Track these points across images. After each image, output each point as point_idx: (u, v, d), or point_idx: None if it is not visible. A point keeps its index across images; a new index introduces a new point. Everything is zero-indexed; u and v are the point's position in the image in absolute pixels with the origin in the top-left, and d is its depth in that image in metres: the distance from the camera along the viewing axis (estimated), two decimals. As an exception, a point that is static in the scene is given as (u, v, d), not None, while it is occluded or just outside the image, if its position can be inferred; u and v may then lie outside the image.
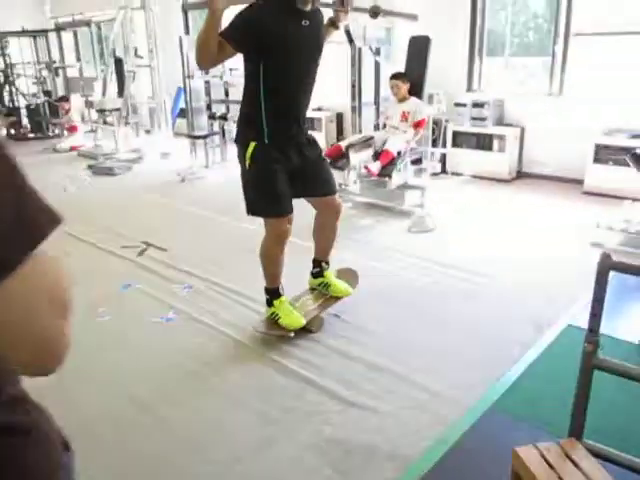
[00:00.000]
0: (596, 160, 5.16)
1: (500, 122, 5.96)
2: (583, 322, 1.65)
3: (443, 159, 5.88)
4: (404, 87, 4.85)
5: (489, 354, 2.59)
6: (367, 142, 4.85)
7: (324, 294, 2.95)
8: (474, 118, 5.91)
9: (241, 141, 2.53)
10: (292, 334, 2.67)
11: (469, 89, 6.37)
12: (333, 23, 2.69)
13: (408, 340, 2.73)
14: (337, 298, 2.94)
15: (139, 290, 3.38)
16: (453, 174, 5.98)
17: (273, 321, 2.70)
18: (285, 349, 2.64)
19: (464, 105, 5.96)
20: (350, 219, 4.64)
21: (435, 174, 5.59)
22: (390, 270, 3.59)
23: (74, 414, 2.23)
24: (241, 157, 2.53)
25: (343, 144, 4.83)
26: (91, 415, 2.23)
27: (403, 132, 4.83)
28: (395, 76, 4.92)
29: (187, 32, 9.76)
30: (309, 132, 2.75)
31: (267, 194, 2.51)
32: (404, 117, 4.86)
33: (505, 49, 7.00)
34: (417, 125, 4.86)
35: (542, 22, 6.79)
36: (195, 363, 2.58)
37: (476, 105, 5.89)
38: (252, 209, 2.56)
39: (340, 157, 4.74)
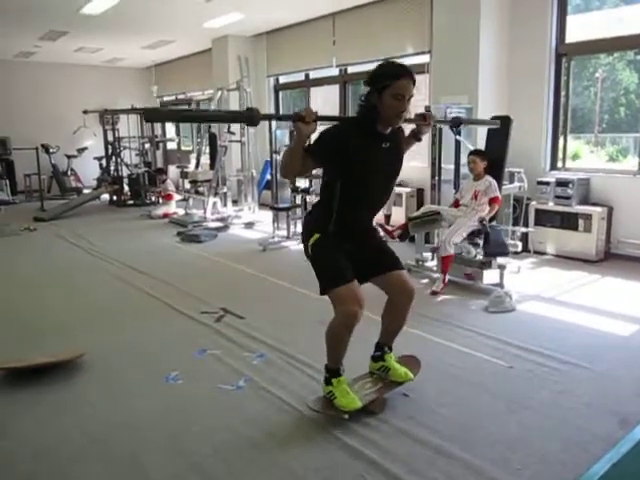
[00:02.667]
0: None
1: (586, 201, 5.78)
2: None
3: (525, 238, 5.75)
4: (481, 164, 4.85)
5: (567, 449, 2.42)
6: (432, 217, 4.91)
7: (383, 379, 2.87)
8: (558, 196, 5.78)
9: (305, 235, 2.66)
10: (346, 416, 2.60)
11: (553, 167, 6.28)
12: (415, 135, 2.81)
13: (479, 426, 2.62)
14: (397, 383, 2.85)
15: (213, 356, 3.48)
16: (536, 253, 5.82)
17: (329, 400, 2.66)
18: (351, 427, 2.60)
19: (547, 184, 5.86)
20: (425, 295, 4.60)
21: (516, 253, 5.45)
22: (464, 350, 3.49)
23: (136, 473, 2.31)
24: (305, 248, 2.65)
25: (410, 216, 4.95)
26: (152, 476, 2.29)
27: (472, 210, 4.79)
28: (473, 152, 4.95)
29: (277, 111, 10.38)
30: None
31: (329, 267, 2.56)
32: (475, 195, 4.83)
33: (594, 126, 6.90)
34: (492, 201, 4.80)
35: (634, 98, 6.67)
36: (260, 434, 2.59)
37: (560, 184, 5.78)
38: (322, 286, 2.59)
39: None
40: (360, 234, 2.69)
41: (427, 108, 5.22)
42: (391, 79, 2.40)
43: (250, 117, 2.29)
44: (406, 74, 2.42)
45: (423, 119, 2.72)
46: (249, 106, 2.29)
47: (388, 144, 2.55)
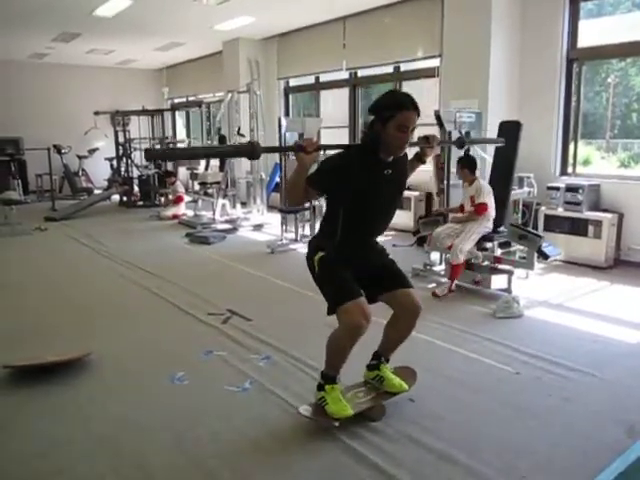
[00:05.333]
0: None
1: (596, 207, 5.74)
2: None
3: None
4: (461, 172, 4.83)
5: (573, 457, 2.40)
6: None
7: (377, 388, 2.83)
8: (568, 202, 5.74)
9: (310, 253, 2.66)
10: (337, 423, 2.57)
11: (563, 172, 6.25)
12: (420, 158, 2.81)
13: (485, 432, 2.60)
14: (391, 393, 2.81)
15: (219, 357, 3.49)
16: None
17: (320, 407, 2.63)
18: (355, 431, 2.59)
19: (557, 189, 5.83)
20: (432, 300, 4.58)
21: (525, 257, 5.42)
22: (470, 355, 3.48)
23: (141, 472, 2.32)
24: (310, 266, 2.65)
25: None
26: (156, 475, 2.30)
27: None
28: (457, 160, 4.94)
29: (287, 113, 10.40)
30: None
31: (336, 283, 2.54)
32: (472, 200, 4.77)
33: (605, 132, 6.85)
34: (477, 211, 4.68)
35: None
36: (265, 436, 2.59)
37: (570, 189, 5.74)
38: (330, 305, 2.56)
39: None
40: (364, 254, 2.68)
41: (436, 112, 5.21)
42: (396, 110, 2.40)
43: (251, 151, 2.32)
44: (411, 106, 2.42)
45: (427, 141, 2.73)
46: (250, 140, 2.30)
47: (390, 171, 2.55)
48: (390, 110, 2.41)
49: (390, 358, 2.88)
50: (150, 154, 2.14)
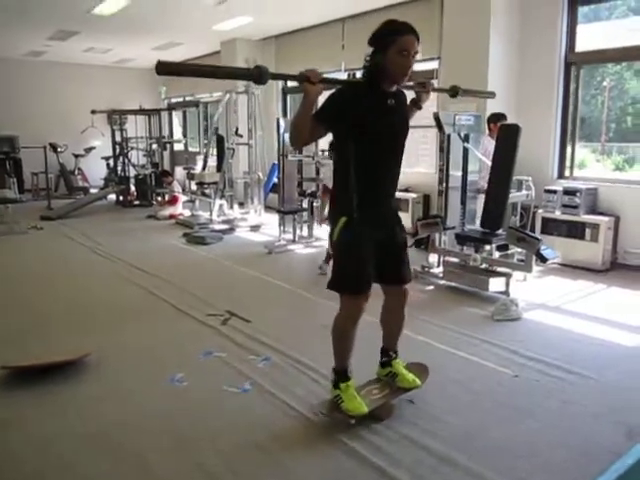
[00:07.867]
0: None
1: (593, 210, 5.77)
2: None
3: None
4: None
5: (572, 459, 2.41)
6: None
7: (390, 385, 2.87)
8: (565, 205, 5.77)
9: (332, 218, 2.64)
10: (353, 421, 2.60)
11: (560, 176, 6.28)
12: (416, 103, 2.85)
13: (484, 434, 2.61)
14: (404, 389, 2.85)
15: (219, 359, 3.49)
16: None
17: (335, 404, 2.66)
18: (356, 432, 2.60)
19: (554, 192, 5.86)
20: (431, 302, 4.60)
21: (523, 260, 5.44)
22: (469, 358, 3.49)
23: (142, 471, 2.31)
24: (331, 233, 2.64)
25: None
26: (157, 477, 2.30)
27: None
28: None
29: (285, 114, 10.38)
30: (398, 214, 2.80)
31: (351, 271, 2.56)
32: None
33: (600, 135, 6.88)
34: None
35: (641, 107, 6.66)
36: (265, 437, 2.59)
37: (567, 192, 5.77)
38: (336, 285, 2.60)
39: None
40: (386, 217, 2.67)
41: (435, 115, 5.22)
42: (396, 35, 2.43)
43: (259, 74, 2.30)
44: (410, 30, 2.45)
45: (422, 86, 2.80)
46: (258, 64, 2.29)
47: (393, 101, 2.56)
48: (390, 36, 2.44)
49: (397, 350, 2.91)
50: (161, 67, 2.15)
